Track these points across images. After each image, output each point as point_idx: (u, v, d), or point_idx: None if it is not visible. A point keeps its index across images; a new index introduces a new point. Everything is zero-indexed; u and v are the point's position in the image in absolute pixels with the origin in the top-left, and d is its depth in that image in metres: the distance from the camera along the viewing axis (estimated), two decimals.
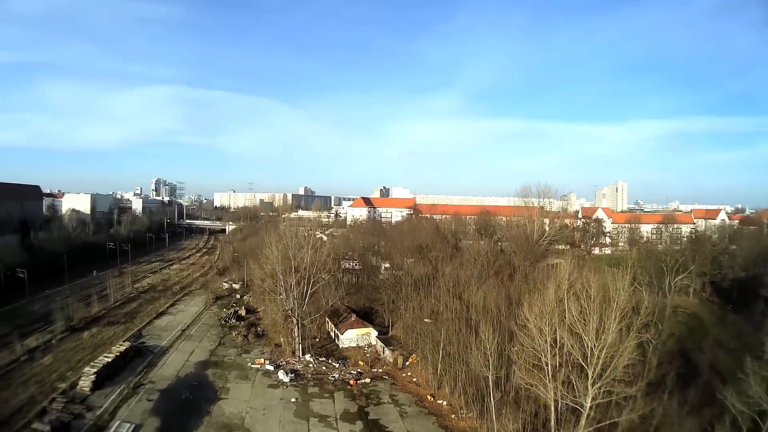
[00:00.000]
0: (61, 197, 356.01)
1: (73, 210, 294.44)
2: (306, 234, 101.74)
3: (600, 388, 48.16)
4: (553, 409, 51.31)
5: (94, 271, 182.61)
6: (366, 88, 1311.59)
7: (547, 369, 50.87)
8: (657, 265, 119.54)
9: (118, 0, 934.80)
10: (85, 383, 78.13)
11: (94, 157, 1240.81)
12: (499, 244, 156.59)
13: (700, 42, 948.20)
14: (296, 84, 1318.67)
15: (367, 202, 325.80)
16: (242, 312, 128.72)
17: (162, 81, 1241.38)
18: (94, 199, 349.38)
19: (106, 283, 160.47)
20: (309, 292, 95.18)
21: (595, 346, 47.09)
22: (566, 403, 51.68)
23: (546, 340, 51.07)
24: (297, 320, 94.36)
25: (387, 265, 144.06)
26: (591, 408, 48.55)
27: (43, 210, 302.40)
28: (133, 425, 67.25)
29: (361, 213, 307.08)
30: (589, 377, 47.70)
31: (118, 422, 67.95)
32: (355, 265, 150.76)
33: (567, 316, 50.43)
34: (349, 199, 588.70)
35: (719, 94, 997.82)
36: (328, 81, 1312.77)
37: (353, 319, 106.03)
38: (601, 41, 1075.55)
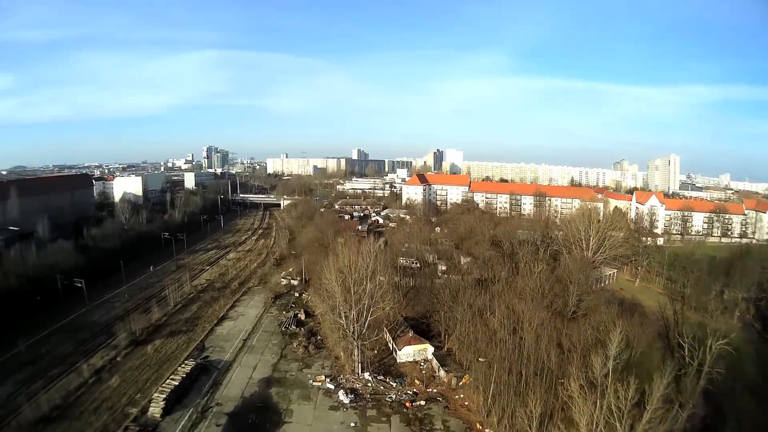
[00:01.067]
0: (112, 180, 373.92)
1: (125, 198, 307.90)
2: (366, 267, 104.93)
3: None
4: None
5: (151, 267, 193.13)
6: (413, 46, 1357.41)
7: None
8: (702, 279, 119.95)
9: None
10: (155, 409, 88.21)
11: (144, 125, 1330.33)
12: (555, 253, 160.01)
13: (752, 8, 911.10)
14: (343, 43, 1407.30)
15: (422, 179, 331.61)
16: (302, 316, 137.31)
17: (208, 45, 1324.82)
18: (146, 180, 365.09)
19: (163, 281, 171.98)
20: (369, 319, 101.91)
21: None
22: None
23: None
24: (357, 343, 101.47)
25: (444, 267, 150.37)
26: None
27: (94, 195, 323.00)
28: None
29: (417, 192, 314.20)
30: None
31: None
32: (413, 262, 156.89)
33: (605, 402, 55.78)
34: (402, 164, 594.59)
35: None
36: (376, 39, 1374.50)
37: (411, 335, 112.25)
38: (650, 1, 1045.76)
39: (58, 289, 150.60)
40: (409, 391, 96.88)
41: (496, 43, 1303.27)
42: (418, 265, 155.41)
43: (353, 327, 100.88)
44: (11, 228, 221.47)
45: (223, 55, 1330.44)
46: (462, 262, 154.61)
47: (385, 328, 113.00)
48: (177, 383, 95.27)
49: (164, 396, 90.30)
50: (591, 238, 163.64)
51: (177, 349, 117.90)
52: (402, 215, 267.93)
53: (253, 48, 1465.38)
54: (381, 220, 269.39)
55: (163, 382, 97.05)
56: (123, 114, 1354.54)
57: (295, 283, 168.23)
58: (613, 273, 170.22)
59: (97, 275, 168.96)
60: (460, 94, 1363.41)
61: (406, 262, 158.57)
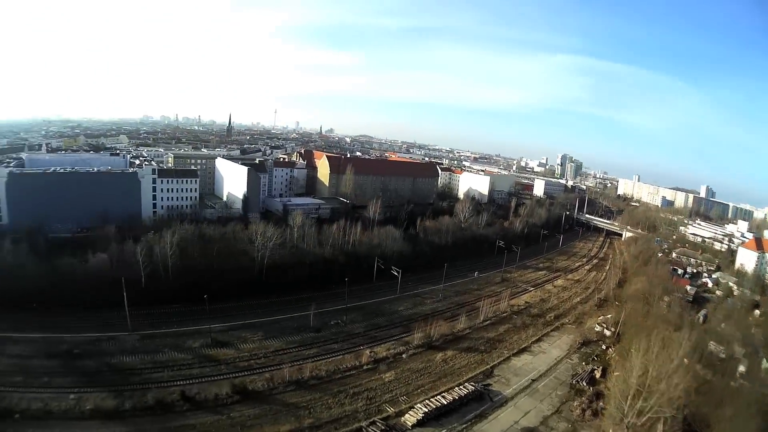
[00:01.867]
0: (459, 173, 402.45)
1: (469, 195, 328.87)
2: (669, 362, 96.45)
3: None
4: None
5: (476, 273, 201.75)
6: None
7: None
8: None
9: None
10: (411, 418, 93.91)
11: (499, 118, 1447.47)
12: None
13: None
14: (699, 63, 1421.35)
15: (758, 244, 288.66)
16: (598, 373, 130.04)
17: (566, 50, 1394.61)
18: (494, 181, 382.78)
19: (482, 291, 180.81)
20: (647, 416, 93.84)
21: None
22: None
23: None
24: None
25: (742, 368, 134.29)
26: None
27: (438, 185, 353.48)
28: None
29: (750, 259, 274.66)
30: None
31: None
32: (722, 352, 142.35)
33: None
34: (744, 213, 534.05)
35: None
36: (733, 62, 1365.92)
37: None
38: None
39: (372, 270, 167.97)
40: None
41: None
42: (724, 356, 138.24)
43: (628, 420, 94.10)
44: (340, 198, 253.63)
45: (581, 62, 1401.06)
46: (762, 369, 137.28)
47: (659, 426, 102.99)
48: (445, 402, 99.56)
49: (426, 410, 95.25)
50: None
51: (465, 367, 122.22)
52: (731, 284, 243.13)
53: (611, 58, 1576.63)
54: (710, 284, 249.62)
55: (434, 396, 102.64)
56: (478, 104, 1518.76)
57: (607, 333, 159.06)
58: None
59: (419, 267, 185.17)
60: None
61: (715, 348, 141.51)
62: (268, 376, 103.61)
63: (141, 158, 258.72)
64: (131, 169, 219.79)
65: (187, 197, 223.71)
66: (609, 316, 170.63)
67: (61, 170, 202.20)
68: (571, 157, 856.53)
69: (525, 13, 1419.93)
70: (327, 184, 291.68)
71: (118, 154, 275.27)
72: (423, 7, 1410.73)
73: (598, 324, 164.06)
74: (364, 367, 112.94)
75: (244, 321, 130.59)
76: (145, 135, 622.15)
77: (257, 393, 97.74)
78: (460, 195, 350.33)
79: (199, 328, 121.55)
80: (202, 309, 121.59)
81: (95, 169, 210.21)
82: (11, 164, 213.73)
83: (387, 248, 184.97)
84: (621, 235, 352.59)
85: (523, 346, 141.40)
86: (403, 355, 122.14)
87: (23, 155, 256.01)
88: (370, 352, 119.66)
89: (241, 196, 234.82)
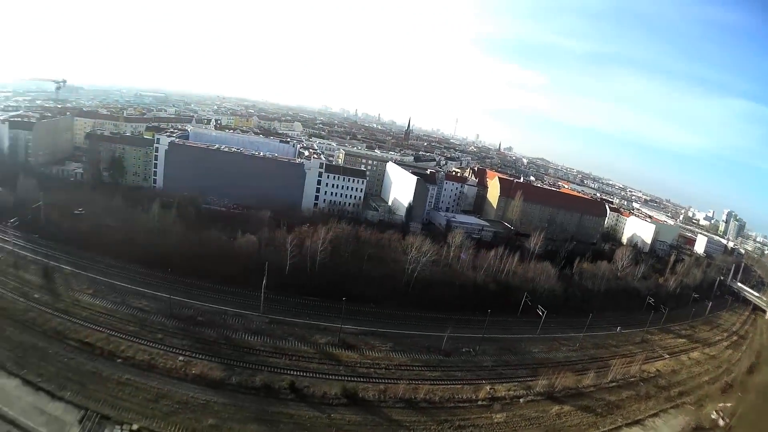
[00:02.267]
0: (627, 216, 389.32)
1: (632, 241, 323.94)
2: None
3: None
4: None
5: (618, 328, 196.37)
6: None
7: None
8: None
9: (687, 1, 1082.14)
10: None
11: (669, 159, 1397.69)
12: None
13: None
14: None
15: None
16: None
17: (741, 95, 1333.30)
18: (658, 230, 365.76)
19: (619, 348, 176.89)
20: None
21: None
22: None
23: None
24: None
25: None
26: None
27: (604, 225, 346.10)
28: None
29: None
30: None
31: None
32: None
33: None
34: None
35: None
36: None
37: None
38: None
39: (519, 305, 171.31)
40: None
41: None
42: None
43: None
44: (505, 223, 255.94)
45: (757, 110, 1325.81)
46: None
47: None
48: None
49: None
50: None
51: (575, 426, 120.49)
52: None
53: None
54: None
55: None
56: (652, 141, 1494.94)
57: (721, 423, 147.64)
58: None
59: (564, 310, 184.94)
60: None
61: None
62: (382, 387, 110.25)
63: (311, 150, 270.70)
64: (299, 160, 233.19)
65: (351, 196, 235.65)
66: (729, 404, 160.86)
67: (225, 149, 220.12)
68: (736, 215, 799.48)
69: (706, 50, 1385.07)
70: (495, 206, 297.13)
71: (287, 142, 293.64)
72: (605, 33, 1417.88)
73: (715, 411, 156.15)
74: (479, 402, 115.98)
75: (377, 328, 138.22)
76: (320, 126, 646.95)
77: (365, 402, 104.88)
78: (624, 239, 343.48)
79: (330, 326, 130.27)
80: (338, 308, 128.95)
81: (261, 154, 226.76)
82: (174, 134, 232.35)
83: (539, 284, 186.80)
84: (765, 312, 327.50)
85: (638, 418, 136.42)
86: (521, 400, 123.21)
87: (188, 127, 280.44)
88: (490, 389, 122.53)
89: (406, 204, 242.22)
